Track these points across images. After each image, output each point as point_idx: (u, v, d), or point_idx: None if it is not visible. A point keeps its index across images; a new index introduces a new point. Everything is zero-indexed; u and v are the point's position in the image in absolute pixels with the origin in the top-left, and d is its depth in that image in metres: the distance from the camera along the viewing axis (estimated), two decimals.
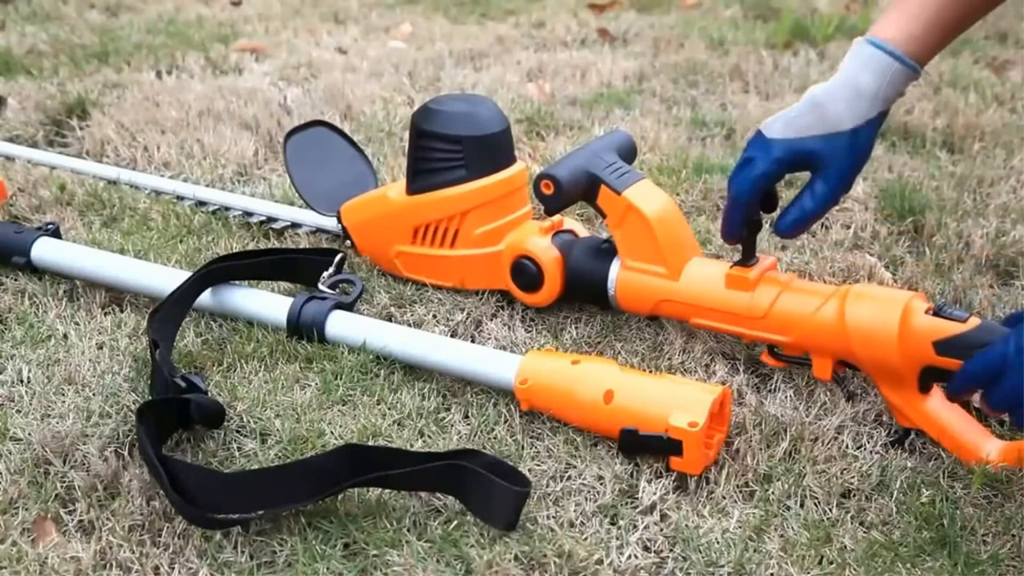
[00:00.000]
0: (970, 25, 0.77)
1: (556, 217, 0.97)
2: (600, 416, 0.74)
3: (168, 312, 0.85)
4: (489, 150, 0.95)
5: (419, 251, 0.98)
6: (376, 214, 1.01)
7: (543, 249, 0.92)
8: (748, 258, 0.83)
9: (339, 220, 1.04)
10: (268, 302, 0.91)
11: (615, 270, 0.89)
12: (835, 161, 0.75)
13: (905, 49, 0.73)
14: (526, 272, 0.92)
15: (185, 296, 0.87)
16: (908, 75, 0.74)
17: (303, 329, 0.87)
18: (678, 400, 0.72)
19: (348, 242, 1.05)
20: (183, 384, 0.76)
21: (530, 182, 1.11)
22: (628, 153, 0.93)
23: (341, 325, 0.87)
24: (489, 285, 0.97)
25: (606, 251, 0.90)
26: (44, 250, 0.98)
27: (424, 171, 0.96)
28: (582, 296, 0.94)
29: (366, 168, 1.13)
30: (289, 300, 0.89)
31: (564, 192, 0.86)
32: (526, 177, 1.00)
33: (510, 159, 0.98)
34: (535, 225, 0.96)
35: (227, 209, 1.16)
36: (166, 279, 0.92)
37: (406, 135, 1.40)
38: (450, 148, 0.94)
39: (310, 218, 1.10)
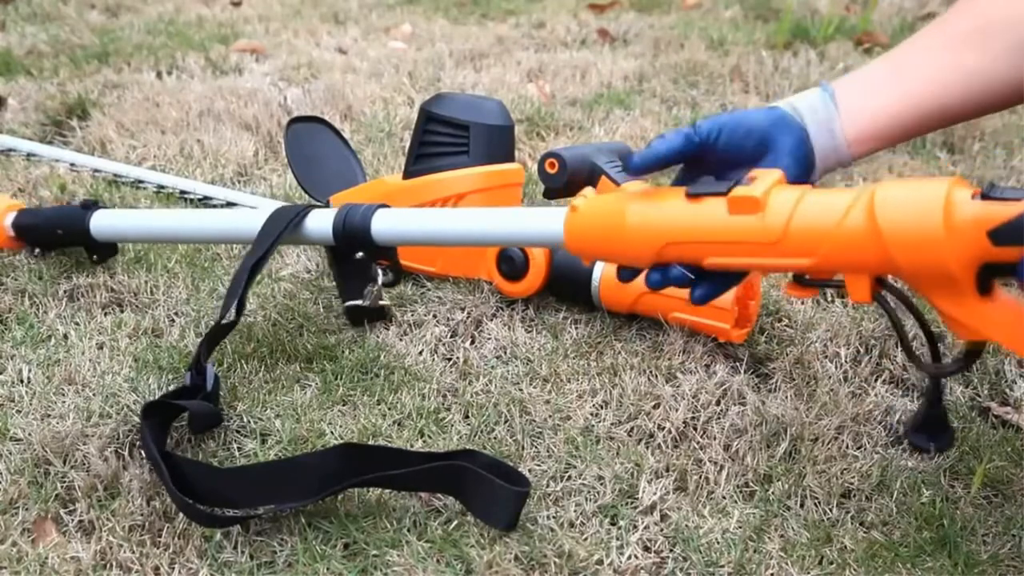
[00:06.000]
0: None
1: None
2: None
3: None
4: (493, 141, 0.99)
5: None
6: (368, 197, 1.03)
7: None
8: None
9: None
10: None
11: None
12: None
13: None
14: (513, 260, 0.94)
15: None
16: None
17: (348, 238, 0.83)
18: None
19: None
20: (189, 382, 0.76)
21: (527, 183, 1.11)
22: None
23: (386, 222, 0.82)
24: (470, 273, 1.00)
25: None
26: (103, 222, 0.96)
27: (427, 155, 1.00)
28: (564, 288, 0.95)
29: (358, 169, 1.15)
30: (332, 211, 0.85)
31: (567, 172, 0.89)
32: (522, 177, 1.03)
33: (510, 157, 1.02)
34: None
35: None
36: (246, 221, 0.87)
37: (406, 135, 1.41)
38: (457, 133, 0.98)
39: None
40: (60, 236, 0.98)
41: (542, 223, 0.73)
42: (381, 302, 0.90)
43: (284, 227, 0.83)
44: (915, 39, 0.70)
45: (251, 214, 0.87)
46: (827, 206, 0.60)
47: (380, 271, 0.89)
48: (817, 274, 0.63)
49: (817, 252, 0.60)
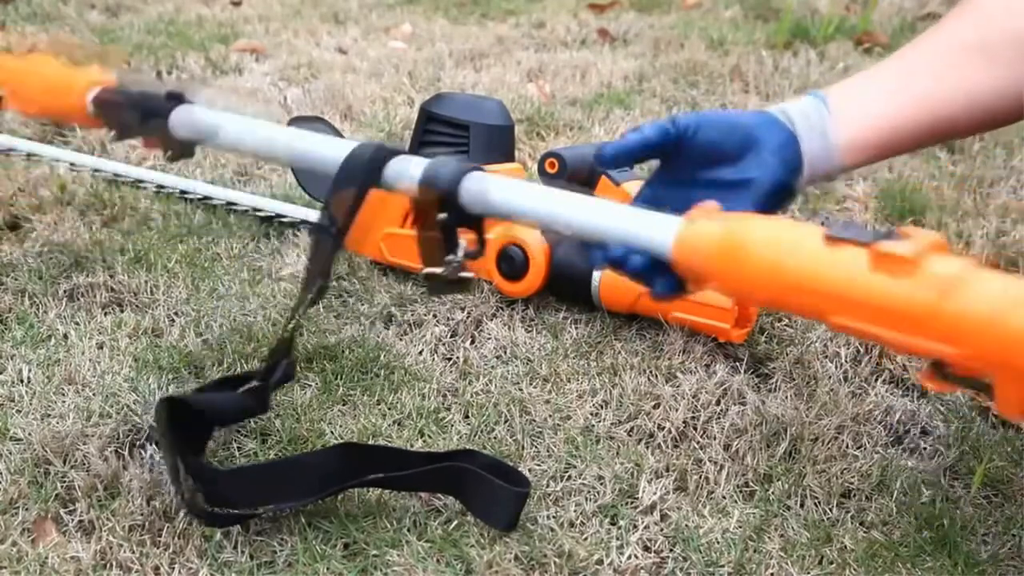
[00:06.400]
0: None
1: None
2: None
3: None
4: (493, 141, 0.99)
5: (408, 233, 1.00)
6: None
7: (533, 238, 0.94)
8: None
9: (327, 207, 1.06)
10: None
11: None
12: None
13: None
14: (513, 259, 0.94)
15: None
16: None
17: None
18: None
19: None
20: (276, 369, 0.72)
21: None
22: None
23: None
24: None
25: None
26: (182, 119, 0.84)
27: (427, 155, 0.98)
28: (564, 288, 0.95)
29: None
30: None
31: (567, 172, 0.89)
32: (522, 177, 1.02)
33: (510, 157, 1.02)
34: None
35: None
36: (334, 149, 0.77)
37: (406, 135, 1.41)
38: (457, 133, 0.98)
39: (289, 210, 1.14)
40: (138, 122, 0.88)
41: (650, 227, 0.61)
42: (462, 274, 0.75)
43: (367, 177, 0.71)
44: (914, 47, 0.67)
45: (344, 143, 0.77)
46: (997, 288, 0.47)
47: (464, 241, 0.75)
48: (963, 369, 0.50)
49: (973, 343, 0.47)
